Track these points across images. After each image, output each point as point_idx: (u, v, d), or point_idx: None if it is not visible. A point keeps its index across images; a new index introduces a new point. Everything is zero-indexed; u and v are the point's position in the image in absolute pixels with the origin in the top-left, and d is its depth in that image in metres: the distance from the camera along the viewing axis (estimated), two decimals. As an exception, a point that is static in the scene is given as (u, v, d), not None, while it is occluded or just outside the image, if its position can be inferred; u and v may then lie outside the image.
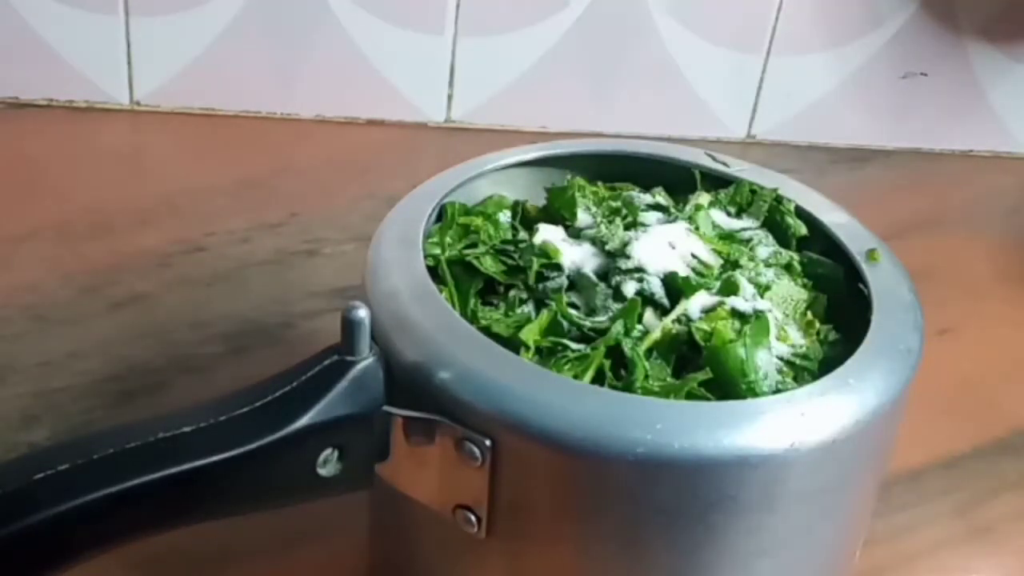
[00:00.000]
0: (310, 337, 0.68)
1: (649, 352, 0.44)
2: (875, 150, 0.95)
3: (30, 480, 0.36)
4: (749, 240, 0.50)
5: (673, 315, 0.45)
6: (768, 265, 0.48)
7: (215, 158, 0.85)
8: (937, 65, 0.92)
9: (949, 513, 0.62)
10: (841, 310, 0.48)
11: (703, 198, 0.52)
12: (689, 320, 0.45)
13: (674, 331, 0.44)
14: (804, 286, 0.48)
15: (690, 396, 0.42)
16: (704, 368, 0.43)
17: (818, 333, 0.46)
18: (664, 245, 0.47)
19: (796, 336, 0.46)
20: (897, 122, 0.95)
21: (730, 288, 0.46)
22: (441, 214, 0.50)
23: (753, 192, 0.52)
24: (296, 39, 0.86)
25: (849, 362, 0.43)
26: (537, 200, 0.53)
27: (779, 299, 0.47)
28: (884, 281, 0.47)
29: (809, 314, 0.47)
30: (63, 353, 0.65)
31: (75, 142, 0.85)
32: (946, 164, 0.96)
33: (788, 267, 0.49)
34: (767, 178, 0.53)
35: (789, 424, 0.40)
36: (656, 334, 0.44)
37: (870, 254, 0.49)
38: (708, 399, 0.42)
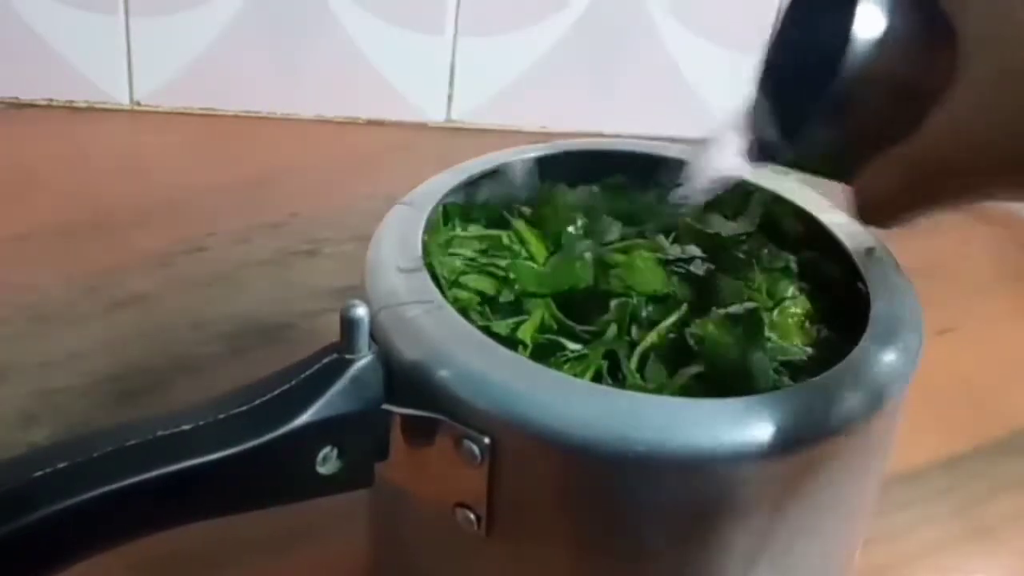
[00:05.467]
0: (310, 337, 0.68)
1: (645, 357, 0.44)
2: (875, 150, 0.95)
3: (29, 478, 0.36)
4: (745, 242, 0.50)
5: (664, 324, 0.45)
6: (765, 267, 0.48)
7: (215, 158, 0.85)
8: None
9: (949, 513, 0.62)
10: (840, 310, 0.48)
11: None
12: (683, 325, 0.45)
13: (669, 336, 0.44)
14: (801, 288, 0.48)
15: (685, 391, 0.42)
16: (697, 363, 0.43)
17: (816, 333, 0.46)
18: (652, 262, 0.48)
19: (793, 338, 0.46)
20: (897, 122, 0.95)
21: (722, 296, 0.46)
22: (438, 215, 0.50)
23: (749, 194, 0.52)
24: (296, 39, 0.86)
25: (848, 361, 0.43)
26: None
27: (775, 301, 0.47)
28: (883, 280, 0.47)
29: (806, 316, 0.47)
30: (63, 353, 0.65)
31: (75, 142, 0.85)
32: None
33: (785, 269, 0.49)
34: (767, 178, 0.53)
35: (788, 422, 0.40)
36: (652, 338, 0.44)
37: (869, 253, 0.48)
38: (703, 395, 0.42)
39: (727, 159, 0.45)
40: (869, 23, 0.38)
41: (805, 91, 0.40)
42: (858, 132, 0.40)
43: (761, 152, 0.44)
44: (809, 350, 0.45)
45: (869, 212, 0.41)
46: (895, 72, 0.39)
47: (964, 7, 0.37)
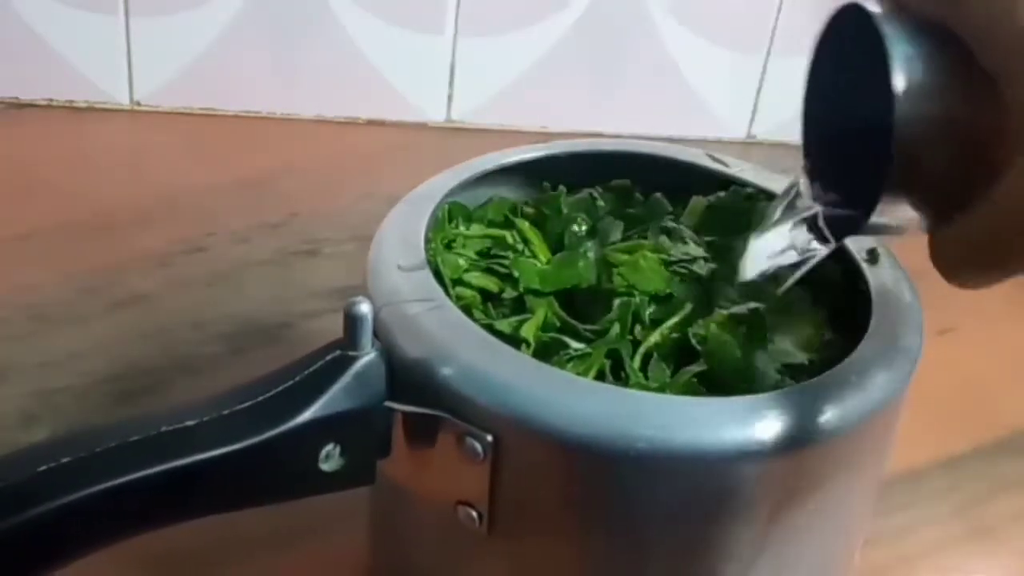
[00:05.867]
0: (310, 337, 0.67)
1: (647, 356, 0.44)
2: (875, 150, 0.95)
3: (33, 473, 0.37)
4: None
5: (668, 324, 0.45)
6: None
7: (215, 158, 0.85)
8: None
9: (949, 513, 0.62)
10: (842, 311, 0.48)
11: (701, 202, 0.52)
12: (685, 326, 0.45)
13: (672, 336, 0.44)
14: (803, 289, 0.48)
15: (687, 390, 0.42)
16: (699, 362, 0.43)
17: (818, 334, 0.46)
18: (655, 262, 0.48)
19: (795, 339, 0.46)
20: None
21: (722, 300, 0.46)
22: (441, 215, 0.50)
23: (751, 197, 0.52)
24: (296, 39, 0.86)
25: (849, 361, 0.43)
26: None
27: (776, 305, 0.47)
28: (884, 281, 0.47)
29: (807, 319, 0.47)
30: (63, 353, 0.65)
31: (75, 142, 0.85)
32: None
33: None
34: (766, 178, 0.53)
35: (790, 420, 0.40)
36: (655, 338, 0.44)
37: (870, 254, 0.49)
38: (706, 394, 0.42)
39: (801, 241, 0.44)
40: (910, 81, 0.36)
41: (863, 165, 0.39)
42: (929, 192, 0.38)
43: (833, 231, 0.42)
44: (811, 351, 0.45)
45: (946, 271, 0.39)
46: (950, 126, 0.36)
47: (1007, 70, 0.35)
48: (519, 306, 0.46)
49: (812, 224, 0.43)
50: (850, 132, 0.41)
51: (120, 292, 0.70)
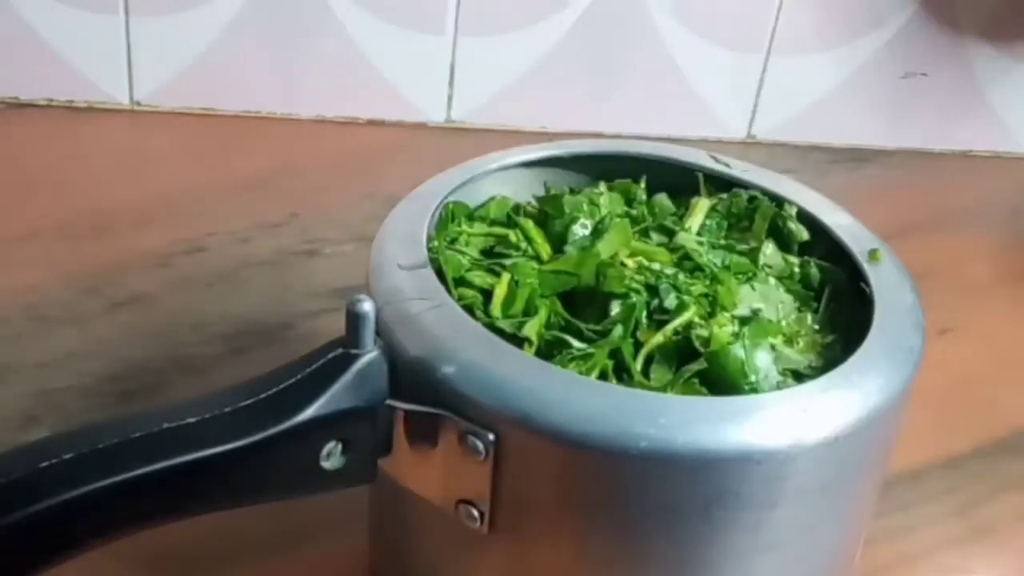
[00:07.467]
0: (310, 337, 0.68)
1: (650, 357, 0.44)
2: (875, 150, 0.95)
3: (35, 469, 0.37)
4: (748, 245, 0.50)
5: (671, 326, 0.45)
6: (768, 272, 0.48)
7: (215, 158, 0.85)
8: (937, 65, 0.92)
9: (949, 513, 0.62)
10: (843, 311, 0.48)
11: (703, 203, 0.52)
12: (688, 327, 0.45)
13: (674, 338, 0.44)
14: (802, 295, 0.48)
15: (687, 390, 0.42)
16: (700, 360, 0.43)
17: (820, 335, 0.46)
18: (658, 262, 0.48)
19: (797, 341, 0.46)
20: (897, 122, 0.95)
21: (724, 301, 0.46)
22: (443, 214, 0.50)
23: (753, 200, 0.52)
24: (296, 39, 0.86)
25: (851, 360, 0.43)
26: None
27: (776, 307, 0.47)
28: (886, 281, 0.47)
29: (808, 324, 0.47)
30: (63, 353, 0.65)
31: (75, 142, 0.85)
32: (946, 164, 0.96)
33: (788, 276, 0.49)
34: (768, 179, 0.53)
35: (792, 420, 0.40)
36: (658, 339, 0.44)
37: (872, 254, 0.49)
38: (707, 394, 0.42)
39: None
40: None
41: None
42: None
43: None
44: (812, 352, 0.45)
45: None
46: None
47: None
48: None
49: None
50: None
51: (120, 292, 0.70)
